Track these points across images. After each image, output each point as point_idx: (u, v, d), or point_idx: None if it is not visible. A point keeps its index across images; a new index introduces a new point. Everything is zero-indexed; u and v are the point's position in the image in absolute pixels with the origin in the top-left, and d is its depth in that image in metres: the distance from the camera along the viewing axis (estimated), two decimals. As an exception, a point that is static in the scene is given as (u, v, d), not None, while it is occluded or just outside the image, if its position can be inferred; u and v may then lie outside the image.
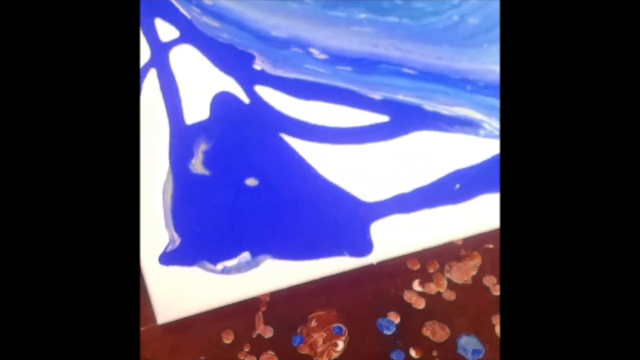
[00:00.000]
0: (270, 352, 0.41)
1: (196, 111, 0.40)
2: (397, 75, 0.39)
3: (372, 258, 0.40)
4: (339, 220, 0.40)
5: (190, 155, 0.40)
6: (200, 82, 0.40)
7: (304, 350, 0.41)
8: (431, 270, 0.44)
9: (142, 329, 0.42)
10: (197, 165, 0.40)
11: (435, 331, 0.41)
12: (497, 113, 0.39)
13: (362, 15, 0.38)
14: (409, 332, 0.41)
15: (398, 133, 0.40)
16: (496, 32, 0.37)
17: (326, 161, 0.40)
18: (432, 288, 0.43)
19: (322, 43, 0.38)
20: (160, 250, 0.40)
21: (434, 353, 0.41)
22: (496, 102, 0.38)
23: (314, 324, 0.42)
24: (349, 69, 0.39)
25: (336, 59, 0.39)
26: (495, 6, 0.37)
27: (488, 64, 0.38)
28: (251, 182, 0.39)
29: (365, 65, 0.39)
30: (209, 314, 0.41)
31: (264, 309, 0.43)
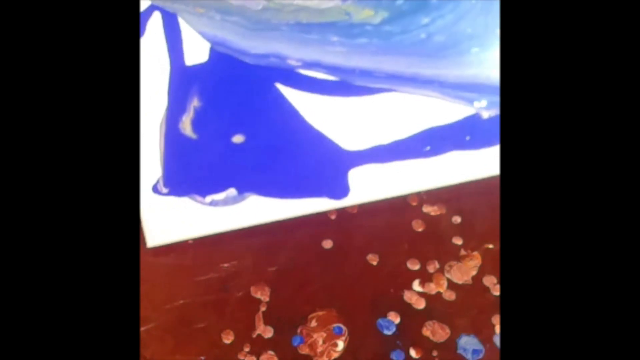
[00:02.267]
0: (270, 352, 0.41)
1: (196, 54, 0.42)
2: (370, 76, 0.41)
3: (348, 201, 0.43)
4: (321, 165, 0.43)
5: (183, 108, 0.42)
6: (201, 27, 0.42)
7: (304, 350, 0.41)
8: (431, 270, 0.44)
9: (142, 329, 0.42)
10: (186, 124, 0.42)
11: (435, 331, 0.41)
12: (464, 101, 0.41)
13: (335, 38, 0.40)
14: (409, 332, 0.42)
15: (380, 90, 0.42)
16: (461, 47, 0.40)
17: (314, 111, 0.43)
18: (432, 288, 0.43)
19: (297, 56, 0.41)
20: (154, 180, 0.42)
21: (434, 353, 0.41)
22: (463, 94, 0.41)
23: (314, 324, 0.42)
24: (324, 71, 0.42)
25: (312, 64, 0.41)
26: (461, 27, 0.39)
27: (455, 70, 0.41)
28: (238, 139, 0.42)
29: (339, 69, 0.41)
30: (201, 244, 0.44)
31: (264, 309, 0.43)
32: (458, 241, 0.45)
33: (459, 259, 0.44)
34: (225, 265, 0.45)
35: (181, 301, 0.43)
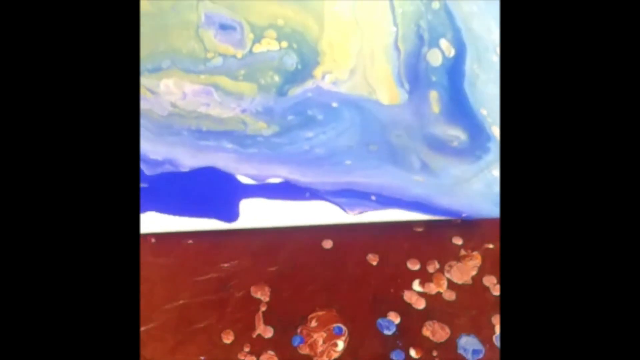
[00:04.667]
0: (270, 352, 0.41)
1: None
2: (255, 179, 0.46)
3: (237, 225, 0.47)
4: (217, 193, 0.47)
5: None
6: None
7: (304, 350, 0.41)
8: (431, 270, 0.44)
9: (142, 329, 0.42)
10: None
11: (435, 331, 0.41)
12: (336, 205, 0.47)
13: (229, 146, 0.44)
14: (409, 332, 0.42)
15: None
16: (337, 159, 0.45)
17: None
18: (432, 288, 0.43)
19: (191, 164, 0.45)
20: None
21: (434, 353, 0.41)
22: (334, 199, 0.47)
23: (314, 324, 0.42)
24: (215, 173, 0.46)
25: (204, 169, 0.46)
26: (340, 141, 0.45)
27: (329, 178, 0.46)
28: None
29: (228, 174, 0.46)
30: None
31: (264, 309, 0.43)
32: (458, 241, 0.45)
33: (459, 259, 0.44)
34: (225, 265, 0.45)
35: (181, 301, 0.43)
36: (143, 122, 0.44)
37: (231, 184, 0.47)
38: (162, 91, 0.43)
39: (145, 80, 0.42)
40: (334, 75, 0.43)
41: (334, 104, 0.43)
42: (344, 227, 0.46)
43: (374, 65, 0.42)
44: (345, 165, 0.45)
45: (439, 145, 0.44)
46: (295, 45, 0.42)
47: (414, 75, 0.43)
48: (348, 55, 0.42)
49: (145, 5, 0.41)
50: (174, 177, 0.46)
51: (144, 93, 0.43)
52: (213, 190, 0.47)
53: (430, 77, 0.42)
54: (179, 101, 0.43)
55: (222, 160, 0.45)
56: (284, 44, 0.42)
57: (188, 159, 0.45)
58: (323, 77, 0.43)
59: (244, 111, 0.43)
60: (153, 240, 0.47)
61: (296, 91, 0.43)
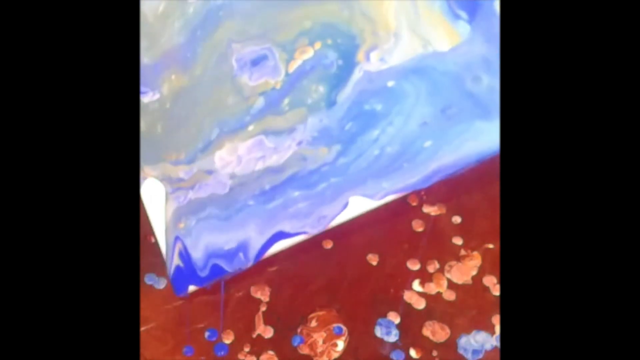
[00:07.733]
0: (270, 352, 0.41)
1: None
2: (328, 218, 0.41)
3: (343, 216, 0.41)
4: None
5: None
6: None
7: (304, 350, 0.41)
8: (431, 270, 0.44)
9: (142, 329, 0.42)
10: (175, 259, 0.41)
11: (435, 331, 0.41)
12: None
13: (296, 194, 0.40)
14: (409, 332, 0.42)
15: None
16: (414, 147, 0.39)
17: None
18: (432, 288, 0.43)
19: (259, 243, 0.41)
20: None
21: (434, 353, 0.41)
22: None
23: (314, 324, 0.42)
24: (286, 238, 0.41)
25: (272, 241, 0.41)
26: (411, 126, 0.39)
27: (411, 177, 0.40)
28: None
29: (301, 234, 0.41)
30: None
31: (264, 309, 0.43)
32: (458, 241, 0.45)
33: (459, 259, 0.44)
34: (225, 265, 0.45)
35: (181, 301, 0.43)
36: (209, 211, 0.40)
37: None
38: (218, 166, 0.40)
39: (200, 163, 0.40)
40: (380, 49, 0.38)
41: (390, 83, 0.38)
42: (344, 227, 0.46)
43: (417, 12, 0.37)
44: (426, 149, 0.39)
45: None
46: (329, 41, 0.38)
47: None
48: (387, 18, 0.37)
49: (181, 81, 0.38)
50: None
51: (202, 178, 0.40)
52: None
53: None
54: (236, 169, 0.40)
55: (292, 221, 0.40)
56: (318, 44, 0.38)
57: (257, 237, 0.41)
58: (368, 58, 0.38)
59: (299, 144, 0.40)
60: (153, 240, 0.47)
61: (346, 92, 0.39)
